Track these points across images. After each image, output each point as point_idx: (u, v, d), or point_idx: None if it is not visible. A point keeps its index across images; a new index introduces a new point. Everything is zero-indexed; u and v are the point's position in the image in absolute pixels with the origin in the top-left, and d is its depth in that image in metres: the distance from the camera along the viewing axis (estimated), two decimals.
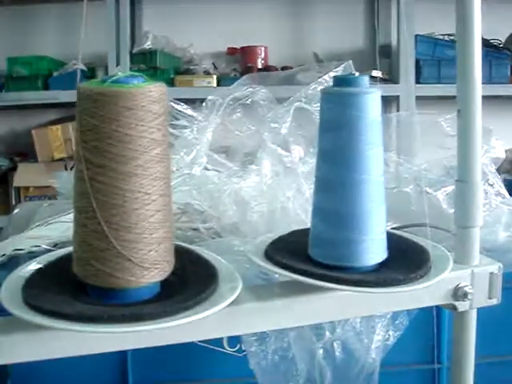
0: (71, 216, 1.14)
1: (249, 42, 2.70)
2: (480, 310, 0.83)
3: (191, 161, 0.96)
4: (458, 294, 0.78)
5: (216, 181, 0.95)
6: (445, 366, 0.99)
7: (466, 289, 0.78)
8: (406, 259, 0.73)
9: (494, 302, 0.81)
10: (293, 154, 0.97)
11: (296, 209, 0.90)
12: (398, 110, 2.56)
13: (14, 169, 2.59)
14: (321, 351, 0.82)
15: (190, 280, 0.67)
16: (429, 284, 0.68)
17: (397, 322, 0.90)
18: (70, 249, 0.72)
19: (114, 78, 0.60)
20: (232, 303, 0.63)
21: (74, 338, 0.62)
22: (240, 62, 2.73)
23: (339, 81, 0.70)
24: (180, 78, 2.59)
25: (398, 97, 2.58)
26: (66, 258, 0.70)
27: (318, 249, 0.72)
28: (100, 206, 0.60)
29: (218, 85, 2.57)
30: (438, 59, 2.59)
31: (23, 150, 2.67)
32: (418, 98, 2.51)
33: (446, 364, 1.00)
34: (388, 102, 2.68)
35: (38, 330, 0.62)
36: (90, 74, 2.63)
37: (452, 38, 2.61)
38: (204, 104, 1.04)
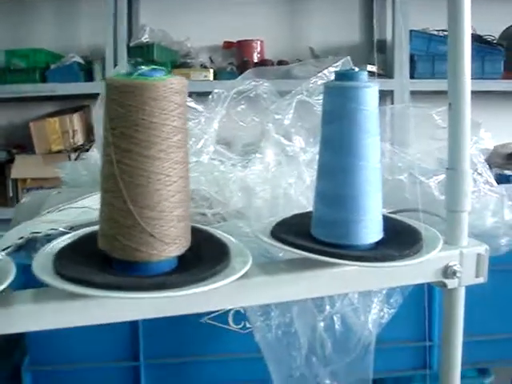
0: (81, 203, 1.23)
1: (245, 36, 2.78)
2: (469, 292, 0.92)
3: (199, 149, 1.04)
4: (448, 272, 0.87)
5: (222, 169, 1.03)
6: (436, 344, 1.08)
7: (455, 267, 0.86)
8: (401, 239, 0.81)
9: (481, 280, 0.90)
10: (294, 144, 1.06)
11: (297, 195, 0.99)
12: (392, 104, 2.64)
13: (11, 161, 2.66)
14: (322, 324, 0.90)
15: (205, 256, 0.75)
16: (421, 260, 0.77)
17: (391, 300, 0.99)
18: (91, 228, 0.81)
19: (140, 71, 0.68)
20: (242, 277, 0.72)
21: (101, 306, 0.70)
22: (236, 56, 2.81)
23: (340, 76, 0.78)
24: (177, 72, 2.66)
25: (392, 91, 2.66)
26: (90, 237, 0.78)
27: (320, 229, 0.80)
28: (126, 187, 0.68)
29: (215, 78, 2.64)
30: (432, 54, 2.68)
31: (21, 143, 2.74)
32: (412, 92, 2.61)
33: (437, 342, 1.09)
34: (383, 96, 2.75)
35: (67, 299, 0.70)
36: (87, 66, 2.70)
37: (446, 33, 2.70)
38: (210, 97, 1.12)
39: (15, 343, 1.17)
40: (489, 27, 2.70)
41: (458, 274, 0.87)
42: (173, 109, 0.68)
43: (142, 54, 2.66)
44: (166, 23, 2.78)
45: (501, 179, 1.71)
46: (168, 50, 2.74)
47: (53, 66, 2.68)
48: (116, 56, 2.63)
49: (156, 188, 0.68)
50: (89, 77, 2.69)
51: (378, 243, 0.80)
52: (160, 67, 0.70)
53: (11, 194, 2.64)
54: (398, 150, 1.09)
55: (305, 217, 0.86)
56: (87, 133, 2.70)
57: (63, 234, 0.92)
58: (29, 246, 1.03)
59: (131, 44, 2.69)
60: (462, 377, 1.04)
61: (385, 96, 2.75)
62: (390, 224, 0.84)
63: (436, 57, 2.67)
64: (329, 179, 0.79)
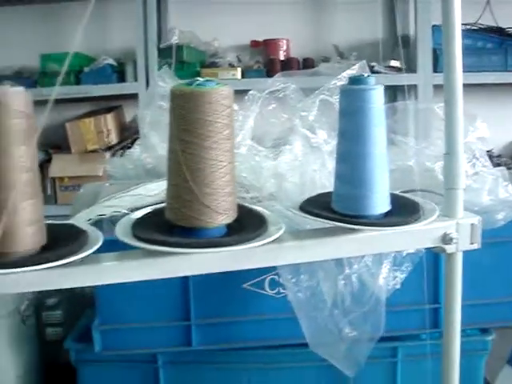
0: (135, 191, 1.51)
1: (271, 35, 3.05)
2: (471, 261, 1.16)
3: (238, 143, 1.31)
4: (446, 239, 1.12)
5: (257, 159, 1.31)
6: (442, 307, 1.34)
7: (452, 235, 1.11)
8: (405, 210, 1.08)
9: (475, 246, 1.14)
10: (318, 137, 1.32)
11: (321, 179, 1.25)
12: (416, 99, 2.88)
13: (48, 161, 2.95)
14: (342, 282, 1.17)
15: (247, 224, 1.02)
16: (421, 224, 1.03)
17: (403, 267, 1.25)
18: (155, 206, 1.08)
19: (197, 82, 0.95)
20: (277, 241, 0.98)
21: (168, 262, 0.96)
22: (263, 55, 3.07)
23: (353, 80, 1.04)
24: (205, 71, 2.93)
25: (416, 86, 2.90)
26: (156, 212, 1.06)
27: (339, 203, 1.06)
28: (188, 170, 0.95)
29: (243, 77, 2.91)
30: None
31: (57, 143, 3.03)
32: (435, 86, 2.84)
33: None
34: (407, 90, 3.00)
35: (142, 257, 0.97)
36: (119, 68, 3.00)
37: (468, 27, 2.94)
38: (246, 97, 1.39)
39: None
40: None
41: (454, 241, 1.12)
42: (222, 110, 0.95)
43: (171, 55, 2.93)
44: (193, 24, 3.05)
45: None
46: (196, 50, 3.02)
47: (86, 69, 2.97)
48: (147, 57, 2.91)
49: (211, 170, 0.95)
50: (121, 78, 2.98)
51: (386, 214, 1.06)
52: (211, 79, 0.97)
53: (49, 193, 2.93)
54: (407, 140, 1.34)
55: (327, 195, 1.12)
56: (121, 132, 2.98)
57: (124, 215, 1.20)
58: (96, 226, 1.31)
59: (161, 46, 2.96)
60: (466, 335, 1.30)
61: (409, 90, 2.99)
62: (396, 200, 1.10)
63: None
64: (345, 163, 1.06)
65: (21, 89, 0.95)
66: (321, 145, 1.30)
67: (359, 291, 1.19)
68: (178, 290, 1.30)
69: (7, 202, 0.90)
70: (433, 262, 1.31)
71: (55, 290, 1.65)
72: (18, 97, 0.93)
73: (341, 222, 1.02)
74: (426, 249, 1.21)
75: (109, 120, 2.92)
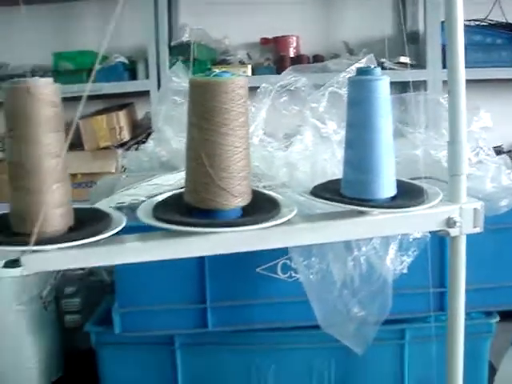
0: (152, 181, 1.59)
1: (281, 32, 3.14)
2: (471, 250, 1.22)
3: (251, 133, 1.39)
4: (450, 222, 1.19)
5: (270, 149, 1.39)
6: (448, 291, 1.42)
7: (455, 219, 1.19)
8: (410, 194, 1.16)
9: (478, 230, 1.22)
10: (328, 127, 1.40)
11: (331, 168, 1.34)
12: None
13: None
14: (351, 264, 1.26)
15: (261, 207, 1.10)
16: (427, 206, 1.11)
17: (409, 251, 1.33)
18: (174, 192, 1.17)
19: (214, 73, 1.03)
20: (289, 223, 1.07)
21: (186, 242, 1.05)
22: (273, 52, 3.16)
23: (360, 71, 1.13)
24: (216, 69, 3.01)
25: (425, 81, 2.97)
26: (174, 197, 1.14)
27: (348, 188, 1.15)
28: (206, 155, 1.03)
29: (253, 74, 2.99)
30: (464, 44, 2.98)
31: (70, 140, 3.12)
32: (444, 82, 2.91)
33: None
34: (416, 86, 3.07)
35: (162, 238, 1.05)
36: (130, 66, 3.09)
37: (478, 23, 3.02)
38: (258, 90, 1.48)
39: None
40: None
41: (458, 224, 1.19)
42: (238, 99, 1.03)
43: (183, 52, 3.01)
44: (204, 22, 3.14)
45: None
46: (207, 48, 3.10)
47: (98, 67, 3.06)
48: (158, 55, 3.00)
49: (227, 156, 1.03)
50: (133, 76, 3.08)
51: (392, 198, 1.14)
52: (227, 70, 1.05)
53: None
54: (415, 131, 1.43)
55: (336, 182, 1.20)
56: (133, 129, 3.07)
57: (142, 202, 1.28)
58: None
59: (172, 43, 3.05)
60: (471, 318, 1.38)
61: (418, 86, 3.06)
62: (402, 185, 1.18)
63: (467, 46, 2.95)
64: (353, 150, 1.14)
65: (50, 79, 1.04)
66: (330, 135, 1.38)
67: (367, 273, 1.27)
68: (195, 273, 1.38)
69: (38, 185, 0.99)
70: (438, 247, 1.39)
71: (74, 279, 1.75)
72: (48, 87, 1.02)
73: (349, 204, 1.10)
74: (431, 233, 1.30)
75: (121, 117, 3.00)
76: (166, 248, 1.06)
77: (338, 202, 1.11)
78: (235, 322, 1.42)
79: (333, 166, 1.34)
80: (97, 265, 1.05)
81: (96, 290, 1.78)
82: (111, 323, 1.42)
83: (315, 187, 1.19)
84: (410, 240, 1.33)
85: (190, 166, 1.07)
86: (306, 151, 1.37)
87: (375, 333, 1.32)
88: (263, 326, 1.44)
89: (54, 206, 1.01)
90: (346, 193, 1.14)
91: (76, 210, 1.07)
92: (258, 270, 1.37)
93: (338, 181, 1.19)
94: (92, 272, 1.86)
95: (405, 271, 1.36)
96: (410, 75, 2.80)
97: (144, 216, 1.07)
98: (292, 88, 1.47)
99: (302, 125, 1.40)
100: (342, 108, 1.41)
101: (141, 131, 3.07)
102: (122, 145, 3.00)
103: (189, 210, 1.08)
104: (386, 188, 1.13)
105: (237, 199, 1.06)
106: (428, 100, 1.61)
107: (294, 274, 1.37)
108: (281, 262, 1.37)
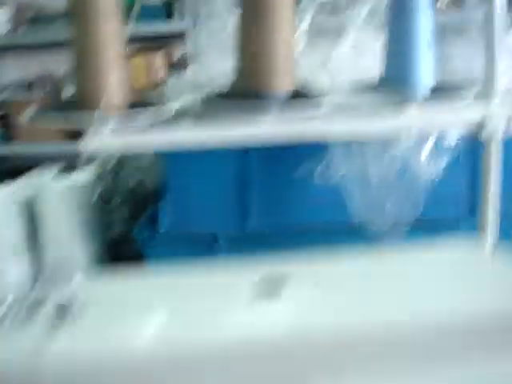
0: None
1: None
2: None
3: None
4: (484, 124, 1.28)
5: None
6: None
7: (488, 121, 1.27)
8: (448, 90, 1.24)
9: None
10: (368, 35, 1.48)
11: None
12: None
13: None
14: (387, 162, 1.34)
15: (305, 95, 1.19)
16: (461, 104, 1.19)
17: (443, 158, 1.41)
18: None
19: None
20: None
21: (241, 126, 1.14)
22: None
23: None
24: None
25: None
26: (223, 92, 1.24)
27: (387, 80, 1.23)
28: (255, 42, 1.12)
29: None
30: None
31: None
32: None
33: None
34: None
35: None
36: (167, 6, 3.16)
37: None
38: (300, 5, 1.55)
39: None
40: None
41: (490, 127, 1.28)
42: None
43: None
44: None
45: None
46: None
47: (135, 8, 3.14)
48: None
49: (275, 41, 1.13)
50: (169, 16, 3.16)
51: (430, 93, 1.22)
52: None
53: None
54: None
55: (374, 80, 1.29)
56: (170, 70, 3.16)
57: None
58: None
59: None
60: None
61: None
62: (441, 83, 1.26)
63: None
64: (393, 43, 1.23)
65: None
66: (371, 41, 1.46)
67: (402, 171, 1.36)
68: (239, 176, 1.49)
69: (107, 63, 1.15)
70: (471, 155, 1.48)
71: (119, 190, 1.84)
72: None
73: (389, 96, 1.19)
74: (464, 136, 1.38)
75: (158, 57, 3.09)
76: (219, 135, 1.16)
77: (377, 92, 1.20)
78: (279, 222, 1.53)
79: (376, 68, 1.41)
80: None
81: (141, 199, 1.87)
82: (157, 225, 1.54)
83: (354, 84, 1.28)
84: (444, 147, 1.41)
85: (241, 52, 1.17)
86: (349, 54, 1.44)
87: (406, 231, 1.40)
88: (303, 227, 1.53)
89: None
90: (386, 86, 1.23)
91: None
92: (298, 172, 1.45)
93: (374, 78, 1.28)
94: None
95: (437, 177, 1.44)
96: None
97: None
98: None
99: (343, 32, 1.47)
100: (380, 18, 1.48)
101: (177, 72, 3.15)
102: (158, 85, 3.09)
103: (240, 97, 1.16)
104: (425, 78, 1.22)
105: (285, 82, 1.15)
106: None
107: (333, 175, 1.45)
108: (320, 165, 1.45)
